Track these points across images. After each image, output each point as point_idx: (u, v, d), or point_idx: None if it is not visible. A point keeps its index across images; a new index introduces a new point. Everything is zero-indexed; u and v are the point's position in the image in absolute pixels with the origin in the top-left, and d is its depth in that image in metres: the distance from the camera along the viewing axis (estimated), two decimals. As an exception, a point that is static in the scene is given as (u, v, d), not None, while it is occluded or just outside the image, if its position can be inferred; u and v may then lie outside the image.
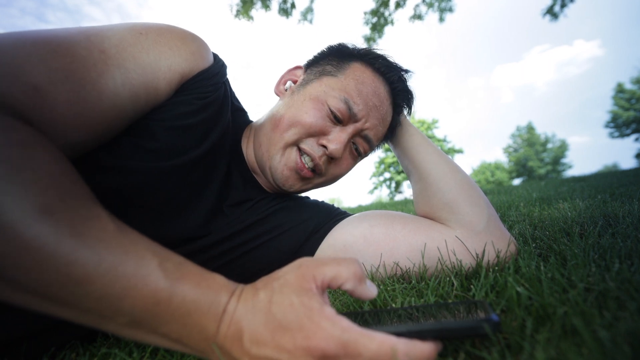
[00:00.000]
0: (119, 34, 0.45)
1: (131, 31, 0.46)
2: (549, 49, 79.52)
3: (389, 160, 21.91)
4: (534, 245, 0.59)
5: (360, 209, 3.26)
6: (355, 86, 0.60)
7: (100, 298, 0.28)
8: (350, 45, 0.67)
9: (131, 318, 0.29)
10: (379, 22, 5.62)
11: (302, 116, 0.59)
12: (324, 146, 0.59)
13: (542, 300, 0.35)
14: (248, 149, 0.66)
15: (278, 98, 0.69)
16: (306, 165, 0.60)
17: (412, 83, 0.69)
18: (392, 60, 0.66)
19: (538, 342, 0.30)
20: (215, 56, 0.58)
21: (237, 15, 5.13)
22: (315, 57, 0.69)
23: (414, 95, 0.70)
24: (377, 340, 0.28)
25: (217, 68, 0.56)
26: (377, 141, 0.66)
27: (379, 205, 3.42)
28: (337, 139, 0.59)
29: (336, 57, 0.65)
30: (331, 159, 0.61)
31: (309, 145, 0.59)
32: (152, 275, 0.30)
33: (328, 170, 0.63)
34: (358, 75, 0.62)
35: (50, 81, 0.37)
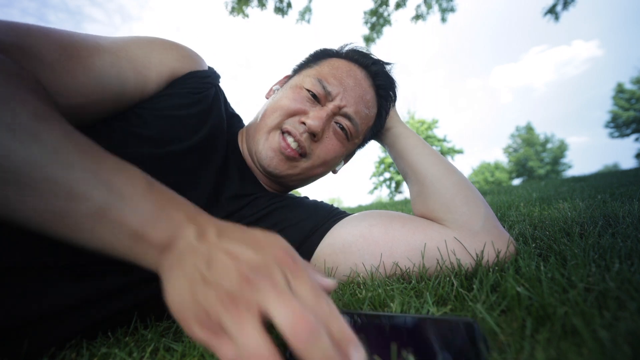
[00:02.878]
0: (114, 38, 0.53)
1: (125, 37, 0.55)
2: (547, 49, 79.70)
3: (389, 160, 21.89)
4: (534, 245, 0.59)
5: (360, 208, 3.26)
6: (329, 70, 0.66)
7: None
8: (327, 48, 0.73)
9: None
10: (378, 22, 5.62)
11: (282, 100, 0.64)
12: (304, 124, 0.61)
13: (542, 300, 0.35)
14: (243, 146, 0.70)
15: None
16: (291, 145, 0.62)
17: (398, 76, 0.73)
18: (365, 51, 0.71)
19: (538, 342, 0.30)
20: (210, 67, 0.64)
21: (231, 12, 5.12)
22: (299, 63, 0.74)
23: (394, 80, 0.72)
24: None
25: (210, 73, 0.63)
26: (360, 120, 0.66)
27: (379, 205, 3.42)
28: (315, 115, 0.62)
29: (316, 57, 0.72)
30: (313, 136, 0.62)
31: (290, 124, 0.62)
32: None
33: (314, 151, 0.64)
34: (332, 63, 0.67)
35: (42, 45, 0.42)
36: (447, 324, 0.33)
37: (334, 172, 0.77)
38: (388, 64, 0.72)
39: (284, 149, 0.61)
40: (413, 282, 0.51)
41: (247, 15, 5.16)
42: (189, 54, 0.61)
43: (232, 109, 0.73)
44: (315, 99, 0.63)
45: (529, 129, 31.68)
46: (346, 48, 0.72)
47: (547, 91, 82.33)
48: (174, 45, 0.59)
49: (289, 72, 0.75)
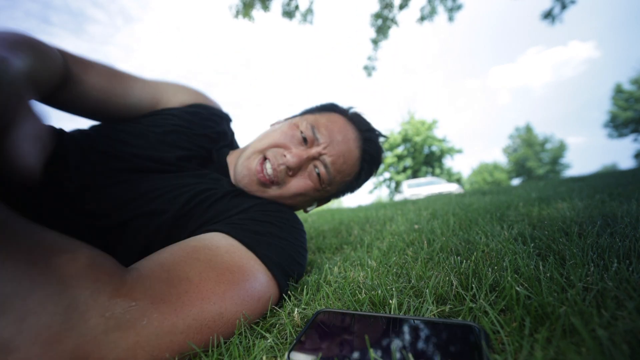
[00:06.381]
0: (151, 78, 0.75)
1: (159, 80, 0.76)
2: (543, 50, 79.75)
3: (389, 160, 21.90)
4: (532, 245, 0.59)
5: (360, 209, 3.26)
6: (325, 122, 0.72)
7: None
8: (338, 105, 0.81)
9: None
10: (384, 24, 5.63)
11: (276, 132, 0.72)
12: (285, 157, 0.67)
13: (541, 299, 0.35)
14: (231, 157, 0.77)
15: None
16: (265, 171, 0.68)
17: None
18: (366, 119, 0.79)
19: (537, 342, 0.30)
20: (225, 112, 0.83)
21: (236, 16, 5.14)
22: (308, 108, 0.82)
23: (382, 151, 0.80)
24: None
25: (222, 111, 0.81)
26: (335, 172, 0.72)
27: (379, 205, 3.42)
28: (296, 152, 0.68)
29: (322, 108, 0.80)
30: (289, 169, 0.68)
31: (272, 153, 0.69)
32: None
33: (286, 183, 0.70)
34: (332, 117, 0.75)
35: (96, 64, 0.63)
36: (450, 328, 0.33)
37: (305, 211, 0.82)
38: (382, 136, 0.81)
39: (257, 172, 0.68)
40: (413, 281, 0.51)
41: (253, 18, 5.18)
42: (204, 96, 0.79)
43: (236, 144, 0.86)
44: (305, 141, 0.70)
45: (528, 129, 31.73)
46: (352, 110, 0.80)
47: (545, 92, 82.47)
48: (189, 88, 0.79)
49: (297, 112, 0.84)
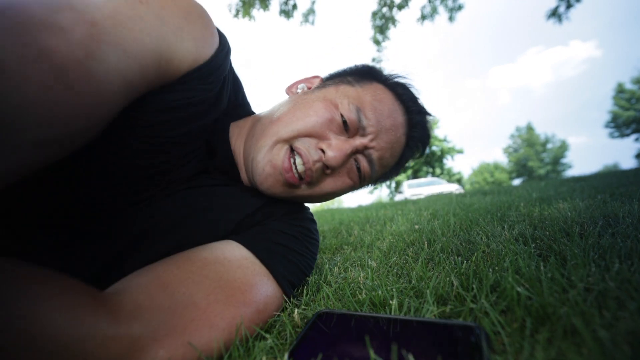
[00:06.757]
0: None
1: None
2: (543, 50, 79.69)
3: (389, 160, 21.83)
4: (533, 245, 0.59)
5: (360, 209, 3.26)
6: (371, 101, 0.55)
7: None
8: (374, 67, 0.63)
9: None
10: (385, 24, 5.63)
11: (308, 112, 0.52)
12: (322, 151, 0.52)
13: (542, 300, 0.35)
14: (238, 140, 0.58)
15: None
16: (294, 168, 0.51)
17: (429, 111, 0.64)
18: (416, 94, 0.61)
19: (538, 342, 0.30)
20: (221, 38, 0.47)
21: (236, 15, 5.14)
22: (336, 71, 0.64)
23: (430, 136, 0.64)
24: None
25: (218, 61, 0.46)
26: (380, 169, 0.59)
27: (379, 206, 3.42)
28: (338, 146, 0.52)
29: (358, 74, 0.61)
30: (326, 168, 0.53)
31: (304, 144, 0.52)
32: None
33: (320, 182, 0.55)
34: (377, 93, 0.57)
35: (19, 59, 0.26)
36: (451, 329, 0.33)
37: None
38: (430, 115, 0.64)
39: (286, 170, 0.51)
40: (413, 282, 0.51)
41: (254, 18, 5.18)
42: (202, 33, 0.44)
43: (238, 97, 0.60)
44: (345, 125, 0.53)
45: (529, 129, 31.71)
46: (396, 78, 0.61)
47: (546, 92, 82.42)
48: (185, 16, 0.41)
49: (321, 74, 0.65)
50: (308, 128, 0.52)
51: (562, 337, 0.30)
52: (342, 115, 0.53)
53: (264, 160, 0.52)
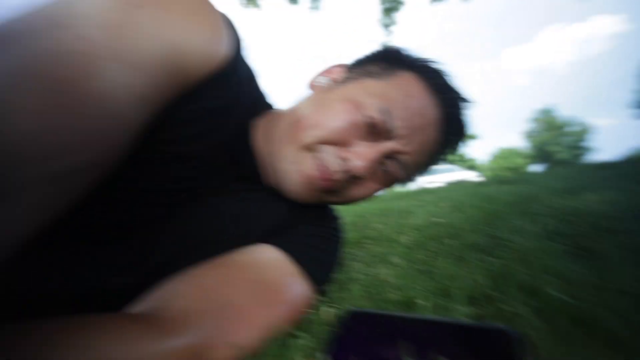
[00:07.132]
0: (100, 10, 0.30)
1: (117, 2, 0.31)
2: (563, 27, 75.37)
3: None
4: (567, 242, 0.58)
5: (376, 199, 3.24)
6: (401, 98, 0.50)
7: None
8: (403, 52, 0.56)
9: None
10: (395, 6, 5.45)
11: (328, 117, 0.49)
12: (348, 160, 0.48)
13: (582, 304, 0.35)
14: (260, 142, 0.54)
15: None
16: (325, 175, 0.48)
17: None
18: (451, 80, 0.55)
19: (575, 349, 0.29)
20: (234, 33, 0.42)
21: (247, 5, 5.13)
22: (360, 58, 0.58)
23: (465, 129, 0.58)
24: None
25: (235, 61, 0.41)
26: (411, 171, 0.54)
27: (394, 196, 3.39)
28: (363, 154, 0.48)
29: (385, 61, 0.55)
30: (354, 177, 0.49)
31: (327, 153, 0.48)
32: None
33: (346, 190, 0.52)
34: (406, 87, 0.51)
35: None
36: (485, 332, 0.33)
37: None
38: (467, 102, 0.57)
39: (323, 177, 0.47)
40: (441, 280, 0.51)
41: (259, 6, 5.17)
42: (211, 33, 0.39)
43: (253, 97, 0.54)
44: (371, 129, 0.48)
45: (549, 112, 30.46)
46: (427, 63, 0.55)
47: (568, 71, 78.45)
48: (192, 13, 0.37)
49: (344, 62, 0.59)
50: (328, 133, 0.48)
51: (604, 346, 0.30)
52: (367, 117, 0.48)
53: (292, 170, 0.50)
